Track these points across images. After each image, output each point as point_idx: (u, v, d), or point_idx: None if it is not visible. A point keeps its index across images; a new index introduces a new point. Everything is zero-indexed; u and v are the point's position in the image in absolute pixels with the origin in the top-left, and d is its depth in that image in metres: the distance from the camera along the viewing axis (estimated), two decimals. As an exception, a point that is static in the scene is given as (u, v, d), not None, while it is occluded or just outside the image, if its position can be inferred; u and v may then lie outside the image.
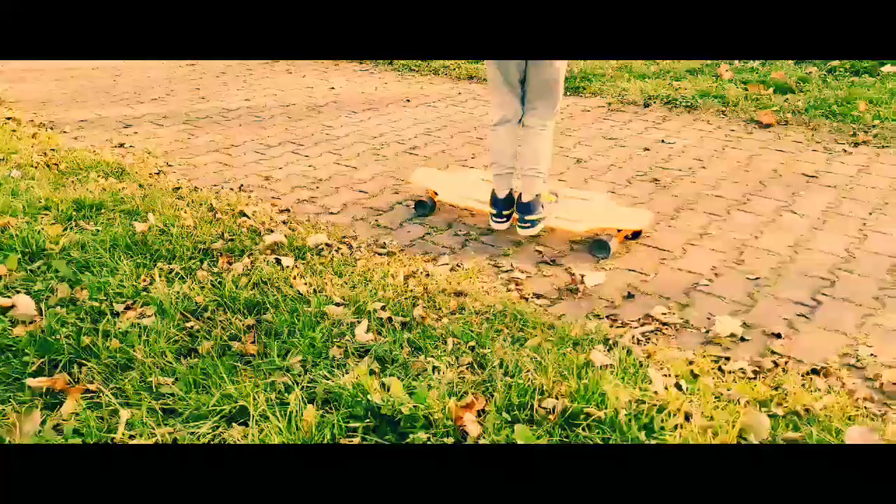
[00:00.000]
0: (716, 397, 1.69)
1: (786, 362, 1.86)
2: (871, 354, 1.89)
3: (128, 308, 2.12)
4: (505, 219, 2.67)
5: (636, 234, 2.62)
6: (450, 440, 1.55)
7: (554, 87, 2.47)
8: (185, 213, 2.80)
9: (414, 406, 1.62)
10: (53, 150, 3.68)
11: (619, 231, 2.55)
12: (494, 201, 2.65)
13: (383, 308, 2.09)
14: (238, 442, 1.56)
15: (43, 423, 1.64)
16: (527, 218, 2.57)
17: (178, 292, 2.17)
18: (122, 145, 3.86)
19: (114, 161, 3.48)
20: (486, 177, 2.89)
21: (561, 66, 2.46)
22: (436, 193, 2.92)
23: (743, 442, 1.53)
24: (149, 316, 2.06)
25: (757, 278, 2.33)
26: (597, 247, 2.50)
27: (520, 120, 2.58)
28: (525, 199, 2.58)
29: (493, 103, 2.59)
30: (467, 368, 1.82)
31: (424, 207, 2.90)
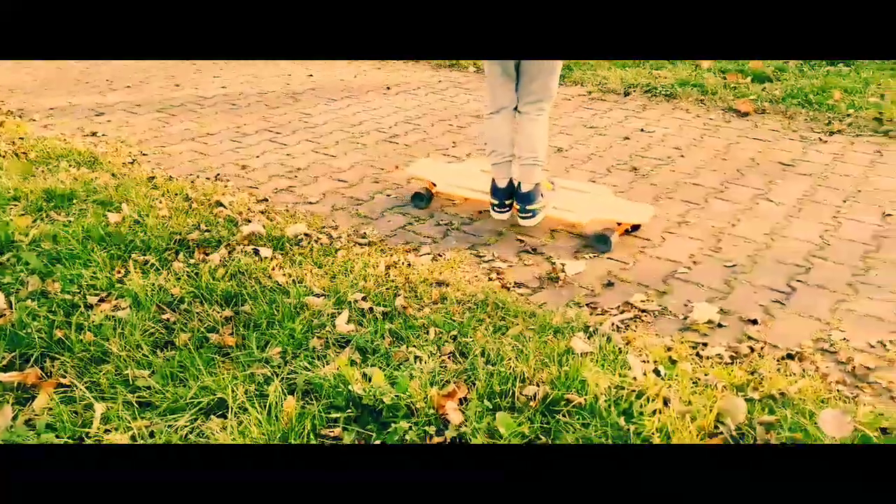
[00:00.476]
0: (693, 382, 1.70)
1: (762, 348, 1.89)
2: (844, 339, 1.92)
3: (102, 300, 2.08)
4: (507, 209, 2.62)
5: (635, 228, 2.59)
6: (432, 429, 1.55)
7: (551, 73, 2.44)
8: (160, 203, 2.75)
9: (396, 396, 1.61)
10: (22, 138, 3.59)
11: (619, 224, 2.52)
12: (495, 191, 2.61)
13: (364, 298, 2.08)
14: (216, 433, 1.54)
15: (14, 417, 1.60)
16: (528, 207, 2.54)
17: (153, 284, 2.13)
18: (94, 134, 3.78)
19: (86, 150, 3.41)
20: (485, 167, 2.83)
21: None
22: (433, 185, 2.87)
23: (720, 426, 1.55)
24: (123, 308, 2.02)
25: (734, 265, 2.36)
26: (597, 240, 2.47)
27: (515, 107, 2.54)
28: (525, 188, 2.53)
29: (490, 92, 2.53)
30: (449, 357, 1.82)
31: (422, 199, 2.83)
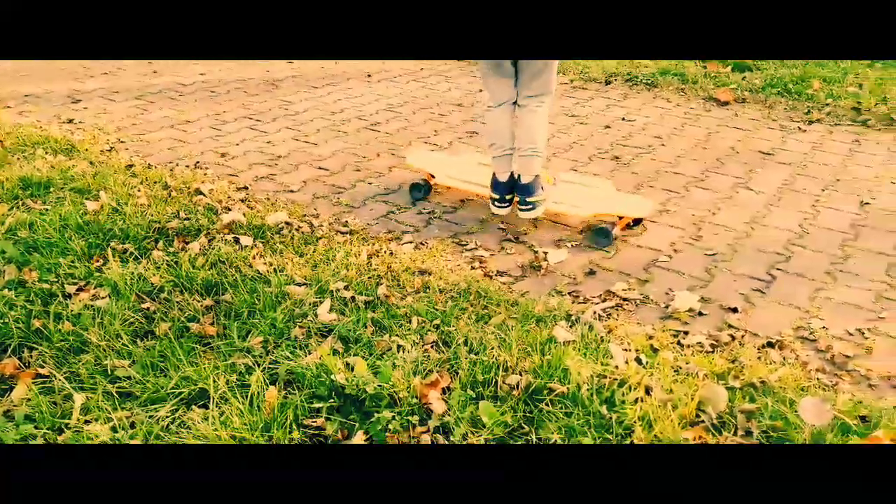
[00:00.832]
0: (675, 371, 1.72)
1: (742, 336, 1.91)
2: (823, 327, 1.95)
3: (80, 290, 2.04)
4: (507, 203, 2.57)
5: (637, 222, 2.56)
6: (415, 418, 1.55)
7: (551, 70, 2.39)
8: (139, 191, 2.71)
9: (379, 385, 1.61)
10: (-4, 125, 3.51)
11: (620, 218, 2.49)
12: (495, 185, 2.55)
13: (346, 287, 2.07)
14: (197, 424, 1.53)
15: (-9, 409, 1.58)
16: (528, 200, 2.49)
17: (132, 273, 2.10)
18: (70, 121, 3.71)
19: (62, 137, 3.34)
20: (484, 161, 2.78)
21: None
22: (432, 176, 2.82)
23: (701, 414, 1.56)
24: (102, 297, 1.99)
25: (714, 254, 2.38)
26: (599, 234, 2.43)
27: (515, 101, 2.48)
28: (524, 180, 2.49)
29: (487, 89, 2.49)
30: (432, 346, 1.81)
31: (420, 191, 2.78)
